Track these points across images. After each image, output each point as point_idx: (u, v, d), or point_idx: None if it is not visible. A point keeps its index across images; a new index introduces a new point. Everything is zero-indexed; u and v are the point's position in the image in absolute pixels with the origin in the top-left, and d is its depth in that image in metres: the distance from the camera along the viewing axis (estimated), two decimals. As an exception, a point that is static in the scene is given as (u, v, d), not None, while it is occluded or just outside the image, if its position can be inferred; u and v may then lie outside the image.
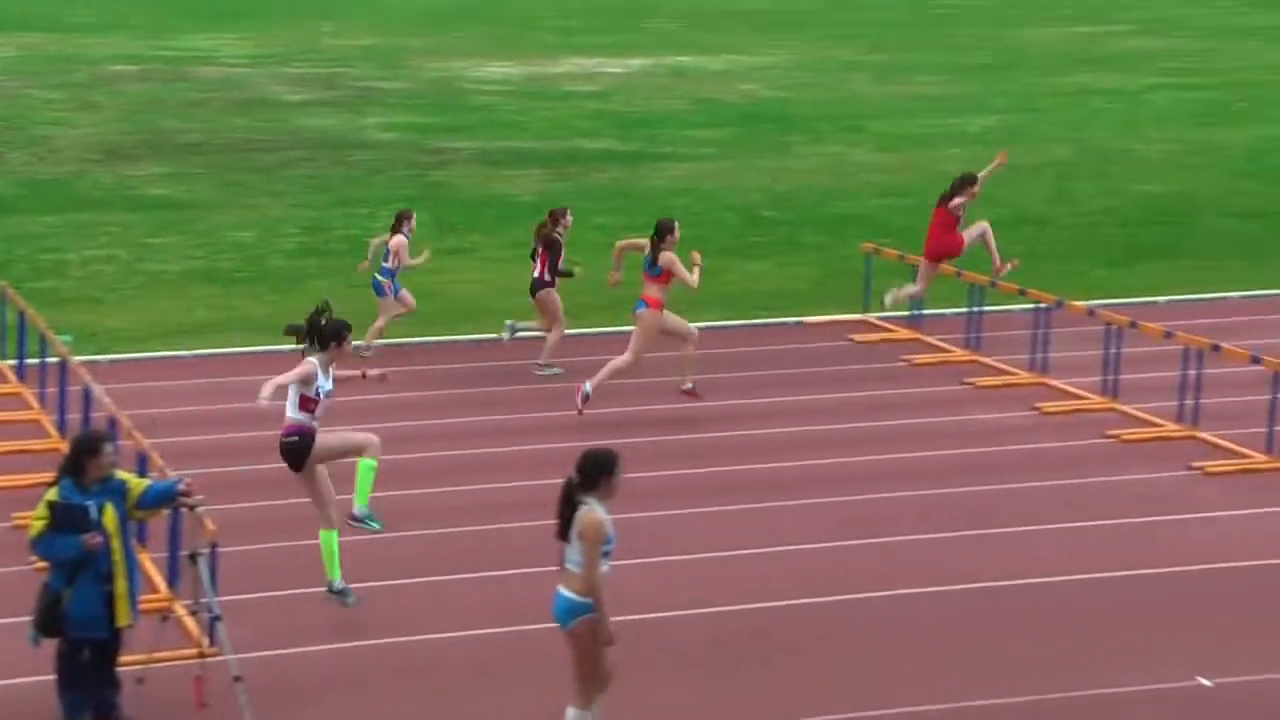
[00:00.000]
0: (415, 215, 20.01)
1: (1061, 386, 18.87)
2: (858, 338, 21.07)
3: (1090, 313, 19.37)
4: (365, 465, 13.15)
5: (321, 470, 12.89)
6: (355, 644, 12.50)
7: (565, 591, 10.49)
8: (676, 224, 17.82)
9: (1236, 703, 11.71)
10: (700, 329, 18.71)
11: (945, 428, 17.62)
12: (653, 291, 17.73)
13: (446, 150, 34.48)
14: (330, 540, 12.87)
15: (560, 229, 19.37)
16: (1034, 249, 26.18)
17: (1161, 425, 17.50)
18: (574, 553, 10.45)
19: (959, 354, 20.24)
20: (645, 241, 17.91)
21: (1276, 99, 42.36)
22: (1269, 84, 45.21)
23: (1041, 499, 15.52)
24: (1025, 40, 56.91)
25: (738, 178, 31.86)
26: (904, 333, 21.20)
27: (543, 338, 19.50)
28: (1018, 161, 33.80)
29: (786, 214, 28.85)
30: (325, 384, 12.81)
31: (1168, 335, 18.23)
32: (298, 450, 12.72)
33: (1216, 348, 17.60)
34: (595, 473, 10.49)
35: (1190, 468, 16.32)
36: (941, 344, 20.64)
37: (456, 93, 42.46)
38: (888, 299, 19.91)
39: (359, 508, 13.31)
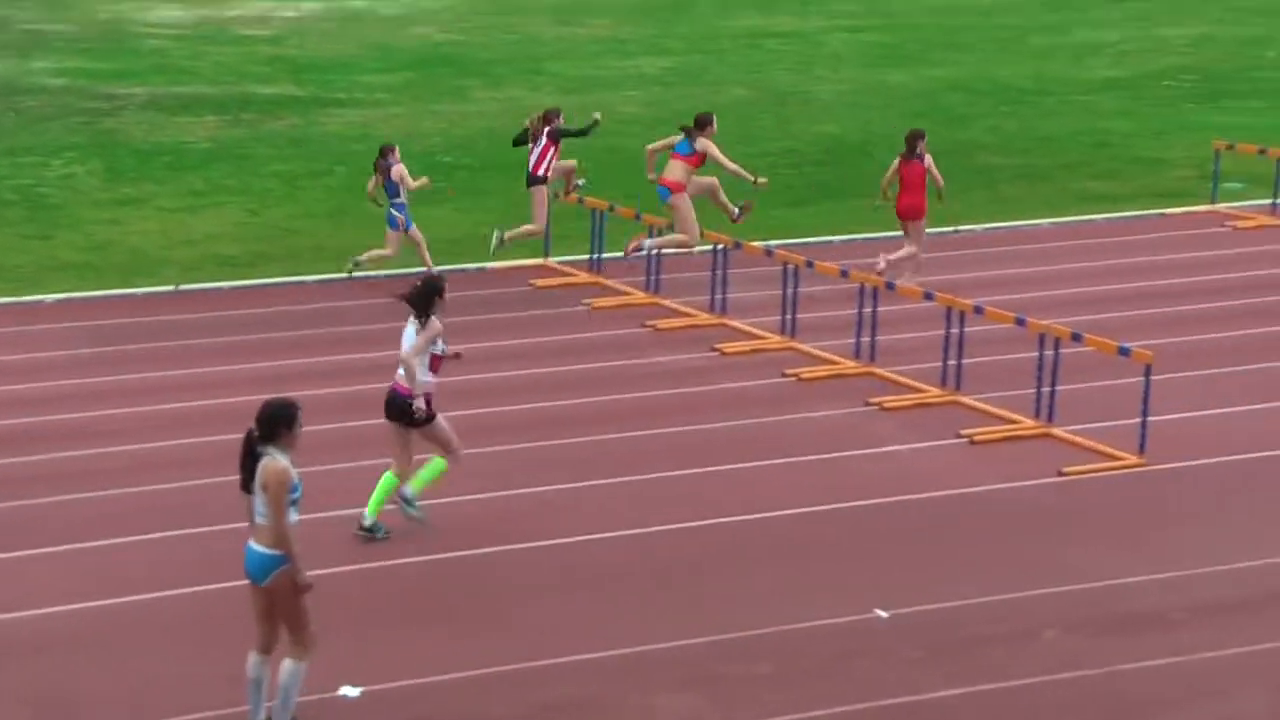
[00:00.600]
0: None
1: (741, 327, 19.19)
2: (539, 283, 21.15)
3: (768, 253, 19.71)
4: (439, 464, 13.63)
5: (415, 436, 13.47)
6: (31, 613, 12.25)
7: (256, 546, 10.41)
8: (714, 116, 20.10)
9: (907, 631, 12.07)
10: (383, 277, 18.61)
11: (627, 371, 17.80)
12: (676, 173, 19.71)
13: (118, 96, 33.69)
14: (391, 483, 13.45)
15: (560, 121, 20.85)
16: (712, 191, 26.55)
17: (839, 363, 17.90)
18: (260, 505, 10.38)
19: (639, 297, 20.44)
20: (673, 139, 19.98)
21: (944, 41, 43.41)
22: (936, 27, 46.32)
23: (723, 439, 15.79)
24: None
25: (415, 123, 31.67)
26: (584, 277, 21.33)
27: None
28: (696, 104, 34.18)
29: (467, 159, 28.79)
30: (443, 344, 13.55)
31: (843, 274, 18.64)
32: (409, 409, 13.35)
33: (891, 286, 18.05)
34: (275, 424, 10.43)
35: (868, 404, 16.73)
36: (622, 287, 20.82)
37: (127, 37, 41.46)
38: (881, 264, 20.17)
39: (410, 488, 13.60)
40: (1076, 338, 16.14)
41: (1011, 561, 13.19)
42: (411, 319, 13.51)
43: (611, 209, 21.56)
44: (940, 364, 17.12)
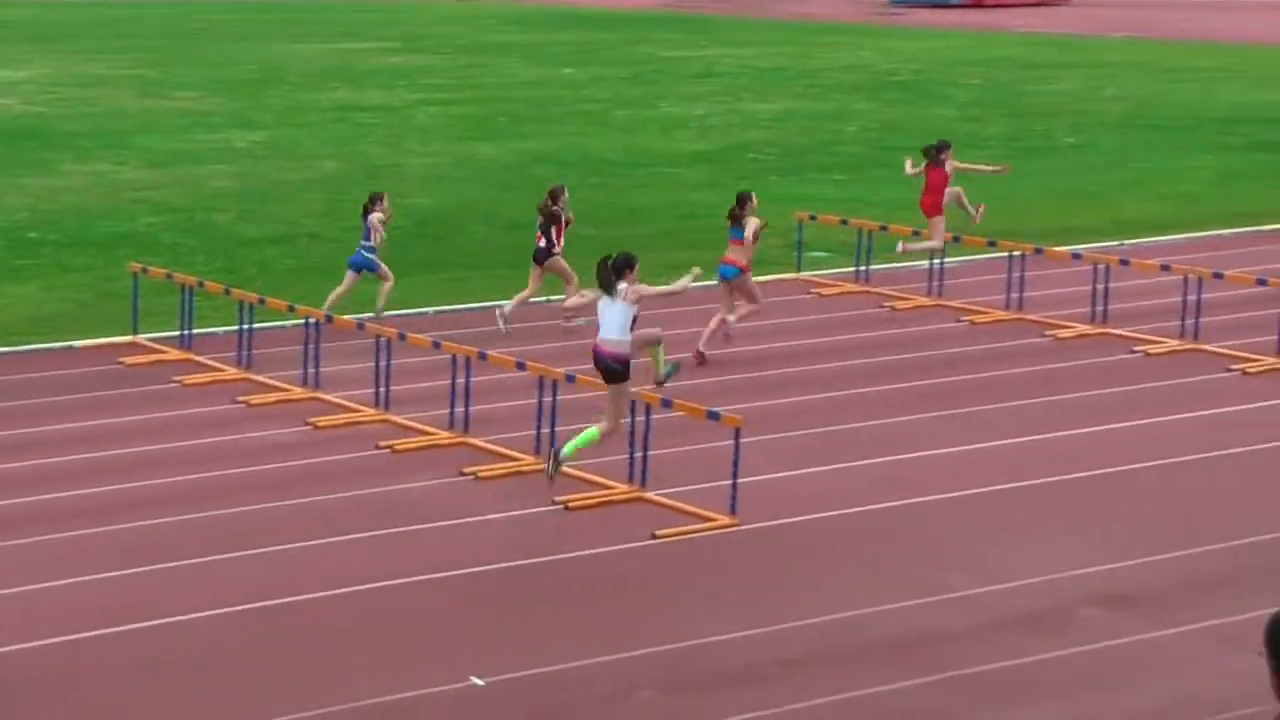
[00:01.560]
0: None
1: (335, 400, 19.13)
2: (128, 360, 20.78)
3: (359, 326, 19.71)
4: (593, 433, 15.85)
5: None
6: None
7: None
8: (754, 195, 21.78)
9: (505, 698, 12.17)
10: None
11: (219, 448, 17.59)
12: (738, 254, 21.33)
13: None
14: (593, 435, 15.76)
15: (560, 205, 22.38)
16: (305, 264, 26.44)
17: (434, 434, 17.97)
18: None
19: (231, 372, 20.23)
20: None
21: (534, 114, 44.00)
22: (525, 100, 46.91)
23: (313, 514, 15.69)
24: (287, 55, 57.21)
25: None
26: (175, 353, 21.03)
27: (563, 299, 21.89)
28: (287, 177, 34.01)
29: (53, 235, 28.13)
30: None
31: (435, 345, 18.75)
32: (620, 373, 15.64)
33: (483, 355, 18.23)
34: None
35: (462, 473, 16.82)
36: (213, 363, 20.59)
37: None
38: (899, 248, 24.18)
39: (565, 449, 15.88)
40: (666, 404, 16.50)
41: (607, 624, 13.40)
42: (606, 297, 15.74)
43: (201, 284, 21.32)
44: (534, 432, 17.32)
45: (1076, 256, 24.78)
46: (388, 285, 22.61)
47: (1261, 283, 22.49)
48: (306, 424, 18.37)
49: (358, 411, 18.76)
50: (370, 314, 22.06)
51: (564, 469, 16.01)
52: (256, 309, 20.51)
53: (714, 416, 16.08)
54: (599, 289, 16.01)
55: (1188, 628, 13.37)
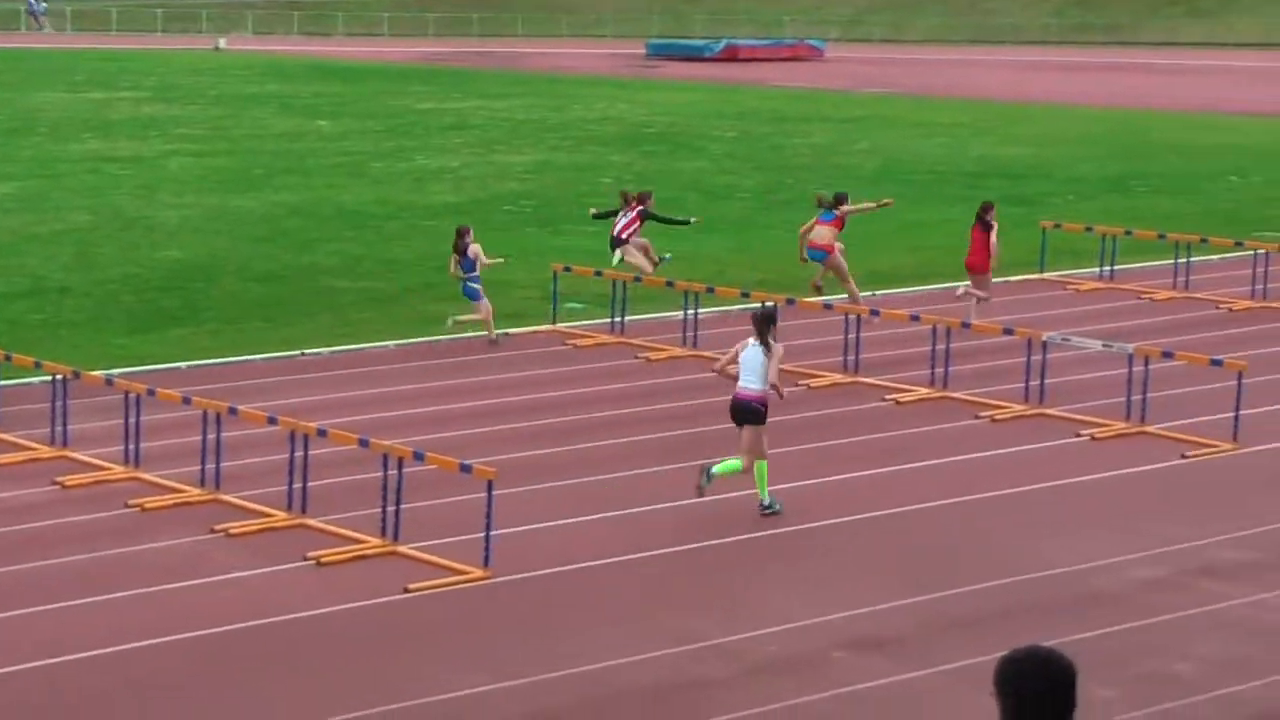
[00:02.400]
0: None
1: (84, 459, 18.80)
2: None
3: (108, 382, 19.40)
4: (735, 464, 17.43)
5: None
6: None
7: None
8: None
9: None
10: None
11: (-38, 507, 17.17)
12: (826, 237, 25.82)
13: None
14: (763, 468, 17.35)
15: (652, 203, 27.07)
16: (55, 318, 25.97)
17: (185, 491, 17.73)
18: None
19: (-24, 430, 19.78)
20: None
21: (288, 166, 43.71)
22: (280, 152, 46.59)
23: (61, 575, 15.40)
24: (36, 105, 56.22)
25: None
26: (-84, 411, 20.51)
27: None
28: (36, 230, 33.40)
29: None
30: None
31: (186, 401, 18.51)
32: (761, 414, 17.32)
33: (234, 410, 18.04)
34: None
35: (214, 531, 16.62)
36: (-44, 421, 20.11)
37: None
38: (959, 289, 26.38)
39: (716, 469, 17.39)
40: (419, 456, 16.47)
41: (360, 680, 13.30)
42: (753, 341, 17.26)
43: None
44: (286, 488, 17.18)
45: (828, 306, 25.20)
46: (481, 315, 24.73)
47: (1008, 332, 23.05)
48: (54, 483, 18.02)
49: (107, 470, 18.45)
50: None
51: (710, 487, 17.42)
52: (3, 366, 20.09)
53: (466, 469, 16.08)
54: (755, 338, 17.42)
55: (936, 670, 13.63)
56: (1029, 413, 21.45)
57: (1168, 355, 21.82)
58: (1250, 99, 68.35)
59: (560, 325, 26.10)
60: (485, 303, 24.78)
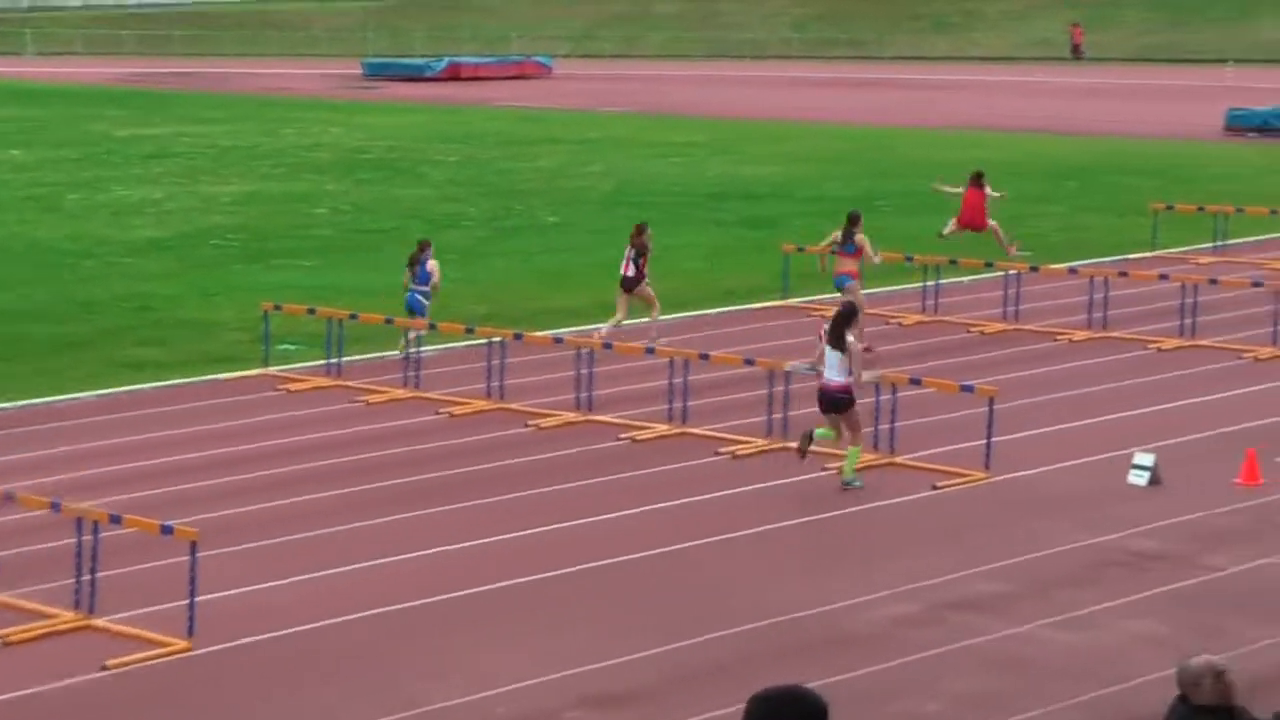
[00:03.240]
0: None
1: None
2: None
3: None
4: (855, 451, 20.15)
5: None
6: None
7: None
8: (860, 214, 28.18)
9: None
10: None
11: None
12: (850, 265, 27.57)
13: None
14: (853, 454, 20.09)
15: (646, 237, 27.37)
16: None
17: None
18: None
19: None
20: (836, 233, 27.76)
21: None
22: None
23: None
24: None
25: None
26: None
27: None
28: None
29: None
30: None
31: None
32: (849, 402, 20.06)
33: None
34: None
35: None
36: None
37: None
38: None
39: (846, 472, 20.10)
40: (116, 519, 16.06)
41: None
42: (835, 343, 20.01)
43: None
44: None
45: (558, 341, 25.19)
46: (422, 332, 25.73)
47: (749, 363, 23.22)
48: None
49: None
50: None
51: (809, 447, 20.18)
52: None
53: (168, 531, 15.74)
54: (829, 338, 20.19)
55: (678, 727, 13.62)
56: (771, 447, 21.60)
57: (915, 382, 22.15)
58: (997, 114, 69.89)
59: (273, 369, 25.73)
60: (423, 320, 25.83)
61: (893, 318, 29.81)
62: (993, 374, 24.96)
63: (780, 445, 21.57)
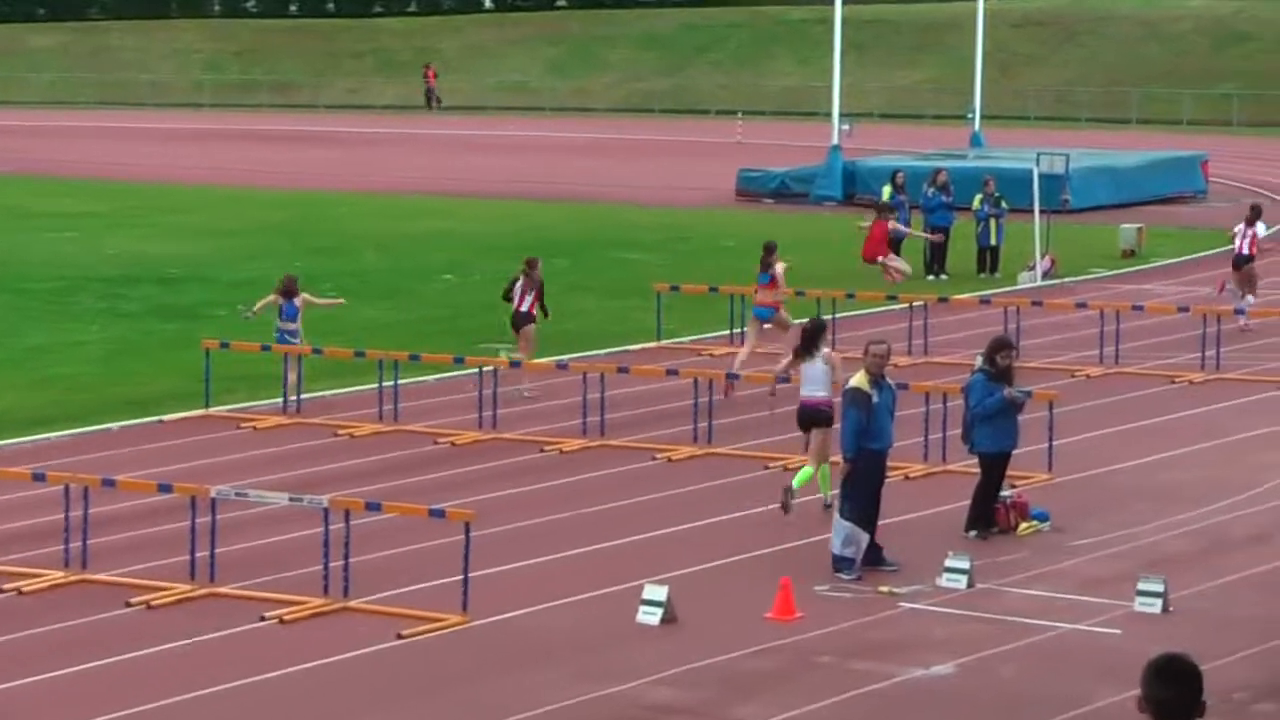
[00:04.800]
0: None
1: None
2: None
3: None
4: (825, 470, 24.54)
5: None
6: None
7: None
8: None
9: None
10: None
11: None
12: (769, 297, 33.40)
13: None
14: (824, 472, 24.36)
15: (537, 273, 32.64)
16: None
17: None
18: None
19: None
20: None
21: None
22: None
23: None
24: None
25: None
26: None
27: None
28: None
29: None
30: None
31: None
32: (829, 417, 24.35)
33: None
34: None
35: None
36: None
37: None
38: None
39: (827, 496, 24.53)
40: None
41: None
42: (809, 359, 24.65)
43: None
44: None
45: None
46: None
47: (165, 489, 22.96)
48: None
49: None
50: None
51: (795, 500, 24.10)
52: None
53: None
54: (802, 353, 24.87)
55: None
56: (196, 594, 21.31)
57: (373, 507, 22.12)
58: (463, 175, 70.77)
59: None
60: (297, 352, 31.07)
61: (343, 428, 29.72)
62: (468, 494, 25.16)
63: (208, 592, 21.33)
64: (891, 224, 44.79)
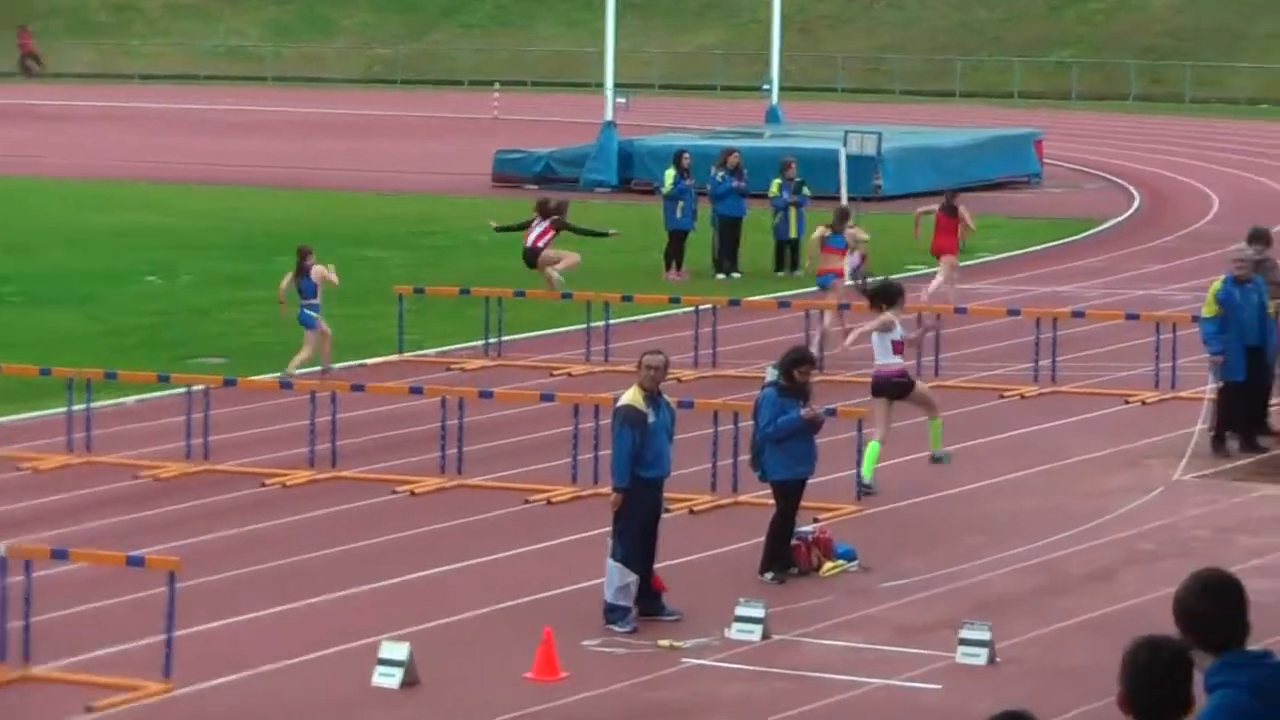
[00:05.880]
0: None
1: None
2: None
3: None
4: (934, 424, 29.10)
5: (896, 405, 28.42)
6: None
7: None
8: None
9: None
10: None
11: None
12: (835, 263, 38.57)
13: None
14: (874, 450, 27.69)
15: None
16: None
17: None
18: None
19: None
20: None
21: None
22: None
23: None
24: None
25: None
26: None
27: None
28: None
29: None
30: (900, 331, 28.38)
31: None
32: (907, 385, 28.64)
33: None
34: None
35: None
36: None
37: None
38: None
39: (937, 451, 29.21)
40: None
41: None
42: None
43: None
44: None
45: None
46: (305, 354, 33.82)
47: None
48: None
49: None
50: None
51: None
52: None
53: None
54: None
55: None
56: None
57: (59, 555, 21.91)
58: (168, 157, 70.09)
59: None
60: (321, 328, 33.96)
61: (24, 460, 29.34)
62: (173, 538, 24.99)
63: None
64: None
